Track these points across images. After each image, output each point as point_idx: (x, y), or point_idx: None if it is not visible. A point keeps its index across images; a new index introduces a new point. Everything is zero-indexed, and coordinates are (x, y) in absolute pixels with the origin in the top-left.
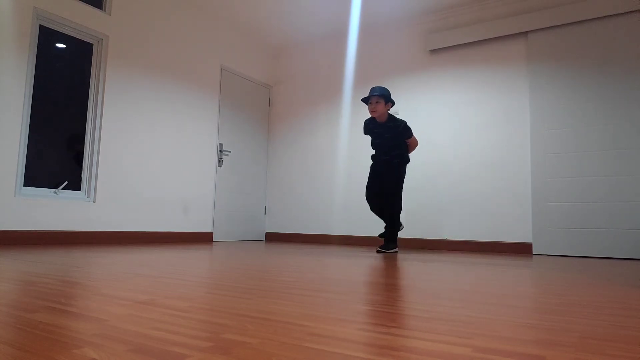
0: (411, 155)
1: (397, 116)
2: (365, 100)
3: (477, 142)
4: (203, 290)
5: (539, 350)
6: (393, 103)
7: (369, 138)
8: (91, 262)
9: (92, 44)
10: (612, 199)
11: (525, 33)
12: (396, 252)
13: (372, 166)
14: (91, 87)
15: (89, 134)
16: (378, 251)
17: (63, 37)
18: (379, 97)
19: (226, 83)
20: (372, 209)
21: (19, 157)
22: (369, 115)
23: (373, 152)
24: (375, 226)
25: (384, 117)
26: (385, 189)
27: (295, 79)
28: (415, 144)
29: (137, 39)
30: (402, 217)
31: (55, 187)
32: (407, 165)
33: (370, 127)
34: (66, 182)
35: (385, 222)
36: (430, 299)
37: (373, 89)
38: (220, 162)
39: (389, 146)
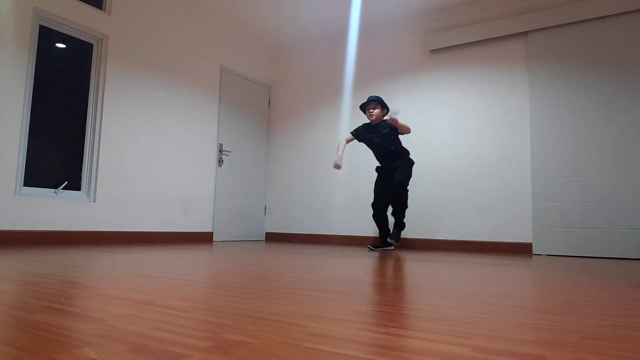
0: (411, 156)
1: (397, 116)
2: (363, 107)
3: (477, 142)
4: (203, 290)
5: (539, 350)
6: (388, 109)
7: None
8: (91, 262)
9: (92, 44)
10: (612, 199)
11: (525, 33)
12: (392, 249)
13: (378, 173)
14: (91, 87)
15: (89, 134)
16: (370, 249)
17: (63, 37)
18: (376, 103)
19: (226, 83)
20: (374, 214)
21: (19, 157)
22: (367, 120)
23: (372, 154)
24: (374, 226)
25: (379, 121)
26: (394, 181)
27: (295, 79)
28: (407, 128)
29: (137, 39)
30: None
31: (55, 187)
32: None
33: (363, 133)
34: (66, 182)
35: (381, 231)
36: (430, 299)
37: (370, 97)
38: (220, 162)
39: (390, 148)
